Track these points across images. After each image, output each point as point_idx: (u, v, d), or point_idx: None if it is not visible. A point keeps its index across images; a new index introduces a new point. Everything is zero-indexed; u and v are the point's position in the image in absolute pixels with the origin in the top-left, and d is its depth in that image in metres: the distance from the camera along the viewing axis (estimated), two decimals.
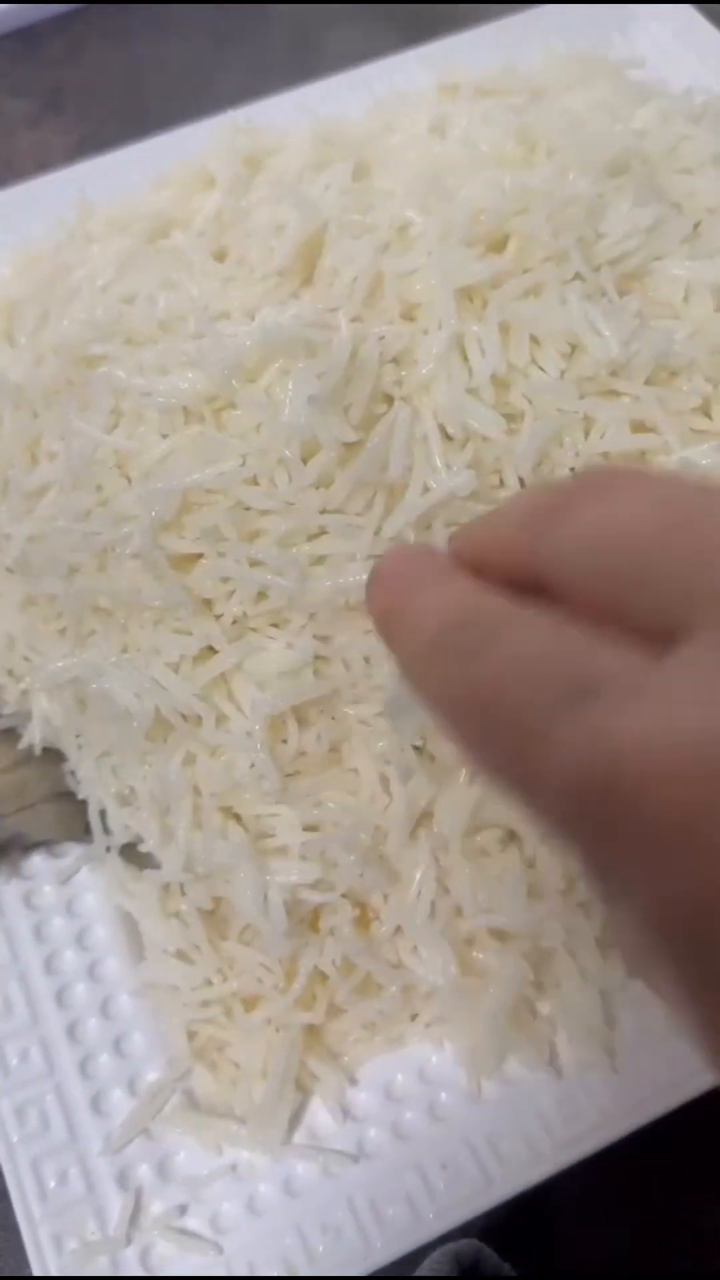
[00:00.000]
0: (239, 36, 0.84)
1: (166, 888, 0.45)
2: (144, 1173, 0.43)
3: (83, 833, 0.48)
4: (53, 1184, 0.42)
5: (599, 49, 0.64)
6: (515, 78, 0.59)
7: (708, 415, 0.44)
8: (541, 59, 0.61)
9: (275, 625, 0.43)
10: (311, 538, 0.41)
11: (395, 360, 0.43)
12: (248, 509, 0.41)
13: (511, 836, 0.44)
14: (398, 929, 0.43)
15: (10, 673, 0.50)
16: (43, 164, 0.69)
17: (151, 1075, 0.44)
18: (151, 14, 0.86)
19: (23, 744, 0.49)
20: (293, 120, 0.60)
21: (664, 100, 0.53)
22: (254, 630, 0.43)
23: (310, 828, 0.42)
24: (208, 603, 0.42)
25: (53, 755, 0.49)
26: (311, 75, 0.67)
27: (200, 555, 0.42)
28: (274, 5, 0.85)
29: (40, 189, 0.63)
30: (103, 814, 0.47)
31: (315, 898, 0.42)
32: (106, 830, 0.47)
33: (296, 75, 0.66)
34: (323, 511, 0.41)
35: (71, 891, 0.48)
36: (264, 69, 0.76)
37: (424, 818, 0.43)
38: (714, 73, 0.65)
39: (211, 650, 0.42)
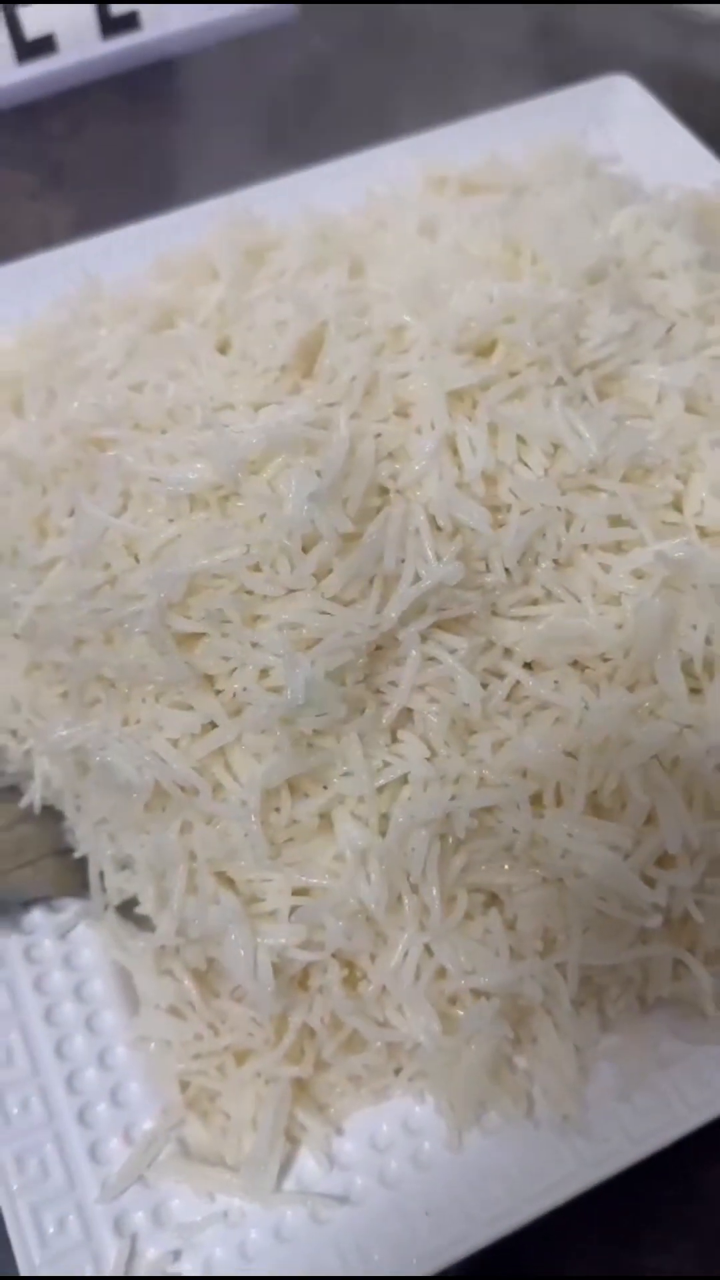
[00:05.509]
0: (232, 120, 0.88)
1: (162, 946, 0.48)
2: (139, 1219, 0.45)
3: (81, 888, 0.51)
4: (51, 1230, 0.44)
5: (577, 143, 0.68)
6: (499, 172, 0.63)
7: (679, 510, 0.48)
8: (524, 153, 0.65)
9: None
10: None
11: (390, 455, 0.46)
12: (250, 594, 0.44)
13: (493, 899, 0.47)
14: (384, 989, 0.46)
15: (14, 734, 0.52)
16: (42, 235, 0.72)
17: (146, 1124, 0.47)
18: (149, 96, 0.90)
19: (23, 803, 0.51)
20: (285, 206, 0.63)
21: (639, 206, 0.56)
22: (253, 705, 0.45)
23: (300, 892, 0.45)
24: (209, 678, 0.45)
25: (52, 812, 0.52)
26: (304, 160, 0.71)
27: (204, 634, 0.45)
28: (272, 96, 0.89)
29: (42, 265, 0.66)
30: (101, 873, 0.49)
31: (304, 956, 0.45)
32: (104, 888, 0.49)
33: (289, 161, 0.70)
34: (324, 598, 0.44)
35: (70, 946, 0.50)
36: (257, 152, 0.80)
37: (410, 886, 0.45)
38: (681, 167, 0.70)
39: (212, 724, 0.45)
